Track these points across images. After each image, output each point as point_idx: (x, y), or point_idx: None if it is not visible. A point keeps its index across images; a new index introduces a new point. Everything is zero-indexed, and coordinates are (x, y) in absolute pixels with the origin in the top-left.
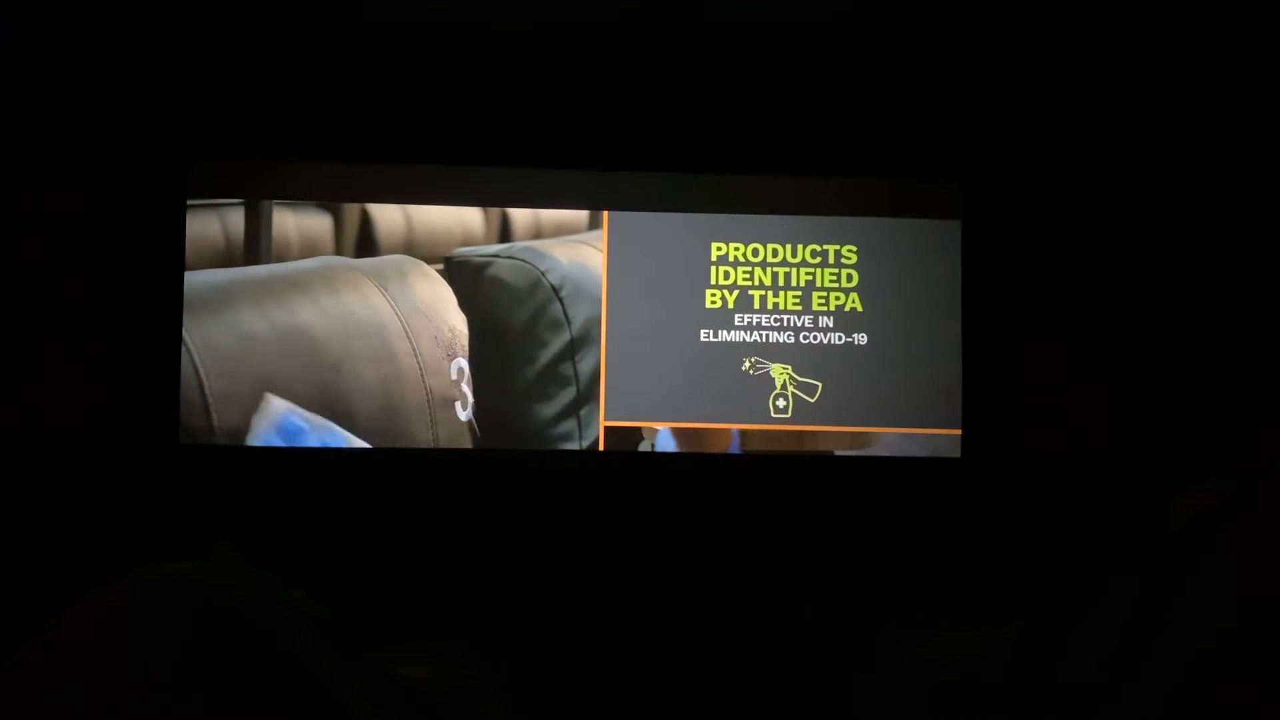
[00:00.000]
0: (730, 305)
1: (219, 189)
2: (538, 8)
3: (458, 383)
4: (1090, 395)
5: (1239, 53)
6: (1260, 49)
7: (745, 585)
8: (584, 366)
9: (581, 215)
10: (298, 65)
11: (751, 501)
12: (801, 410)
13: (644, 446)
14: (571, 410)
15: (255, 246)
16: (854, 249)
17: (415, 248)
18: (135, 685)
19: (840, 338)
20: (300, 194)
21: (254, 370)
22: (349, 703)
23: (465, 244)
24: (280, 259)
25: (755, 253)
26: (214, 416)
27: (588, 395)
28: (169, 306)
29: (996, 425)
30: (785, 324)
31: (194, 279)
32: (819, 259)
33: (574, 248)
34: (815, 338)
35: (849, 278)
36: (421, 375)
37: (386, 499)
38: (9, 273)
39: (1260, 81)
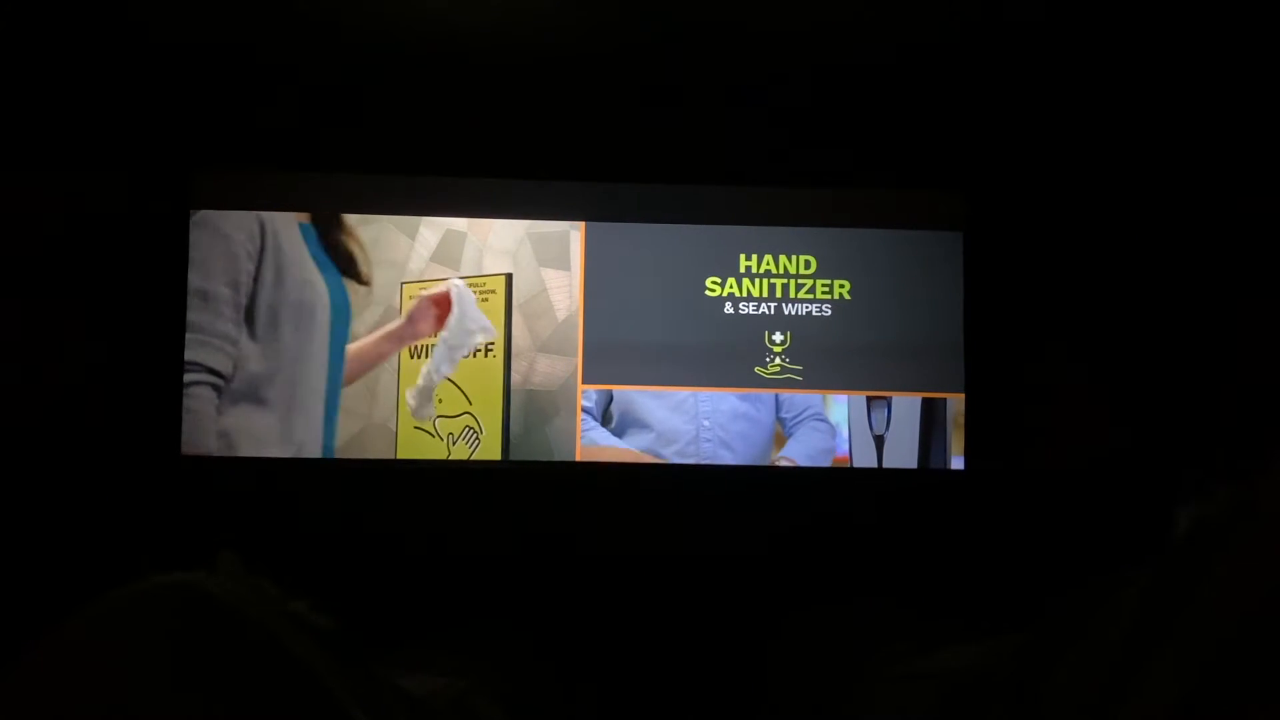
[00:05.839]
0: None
1: (222, 199)
2: (541, 18)
3: None
4: (1093, 406)
5: (1242, 66)
6: (1263, 61)
7: (746, 594)
8: None
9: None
10: (301, 75)
11: (751, 511)
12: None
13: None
14: None
15: None
16: (849, 261)
17: None
18: (137, 695)
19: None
20: (305, 205)
21: None
22: (352, 714)
23: None
24: None
25: (752, 268)
26: None
27: None
28: (172, 317)
29: (999, 438)
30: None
31: None
32: (811, 270)
33: None
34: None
35: (844, 290)
36: None
37: (390, 509)
38: (10, 280)
39: (1263, 93)
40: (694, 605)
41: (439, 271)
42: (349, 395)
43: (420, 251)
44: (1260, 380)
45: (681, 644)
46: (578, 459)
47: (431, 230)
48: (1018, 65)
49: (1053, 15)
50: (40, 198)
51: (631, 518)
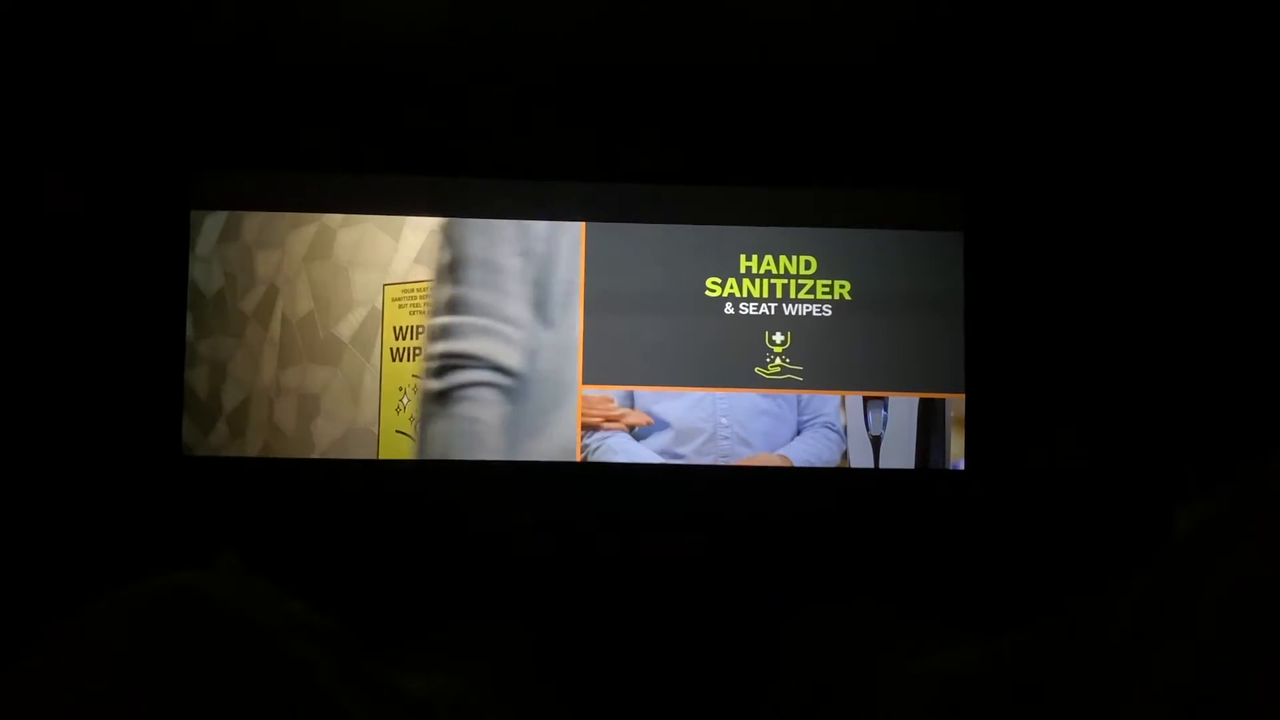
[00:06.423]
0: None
1: (223, 199)
2: (534, 19)
3: None
4: (1093, 406)
5: (1242, 66)
6: (1263, 61)
7: (746, 595)
8: None
9: None
10: (301, 75)
11: (752, 512)
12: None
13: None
14: None
15: None
16: (849, 261)
17: None
18: (138, 695)
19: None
20: (303, 206)
21: None
22: (351, 714)
23: None
24: None
25: (752, 268)
26: None
27: None
28: (172, 318)
29: (999, 438)
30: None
31: None
32: (811, 271)
33: None
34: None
35: (845, 291)
36: None
37: (389, 509)
38: (11, 282)
39: (1263, 93)
40: (693, 605)
41: (423, 273)
42: (330, 399)
43: (404, 253)
44: (1259, 380)
45: (681, 644)
46: (578, 459)
47: (415, 231)
48: (1017, 65)
49: (1052, 15)
50: (41, 197)
51: (629, 518)
